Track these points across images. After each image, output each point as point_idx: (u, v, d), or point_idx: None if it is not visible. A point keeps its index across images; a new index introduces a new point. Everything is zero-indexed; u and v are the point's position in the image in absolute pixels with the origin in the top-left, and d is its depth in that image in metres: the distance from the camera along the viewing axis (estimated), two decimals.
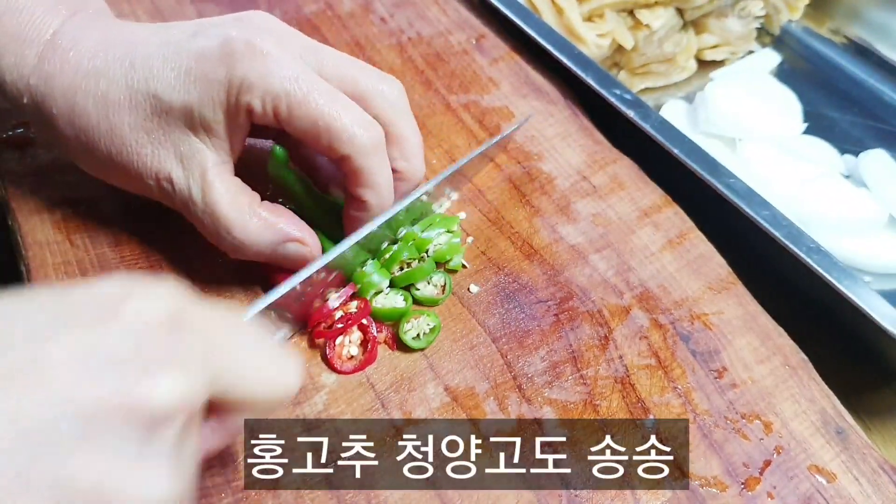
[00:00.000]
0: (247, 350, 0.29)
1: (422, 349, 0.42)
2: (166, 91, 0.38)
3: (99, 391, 0.22)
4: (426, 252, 0.45)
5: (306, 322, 0.42)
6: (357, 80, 0.40)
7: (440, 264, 0.46)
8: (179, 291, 0.26)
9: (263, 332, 0.31)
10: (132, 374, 0.23)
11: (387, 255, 0.44)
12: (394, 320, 0.43)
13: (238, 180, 0.40)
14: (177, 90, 0.38)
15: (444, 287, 0.45)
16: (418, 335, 0.42)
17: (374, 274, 0.43)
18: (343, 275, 0.43)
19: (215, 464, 0.37)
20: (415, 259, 0.45)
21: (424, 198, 0.45)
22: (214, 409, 0.29)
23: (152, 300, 0.25)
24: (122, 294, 0.25)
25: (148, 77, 0.38)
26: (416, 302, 0.44)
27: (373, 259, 0.44)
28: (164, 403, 0.23)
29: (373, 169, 0.39)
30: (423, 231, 0.45)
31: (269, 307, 0.38)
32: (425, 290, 0.45)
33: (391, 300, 0.43)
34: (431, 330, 0.42)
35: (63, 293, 0.25)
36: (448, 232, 0.46)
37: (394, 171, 0.41)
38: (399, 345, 0.42)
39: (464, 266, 0.46)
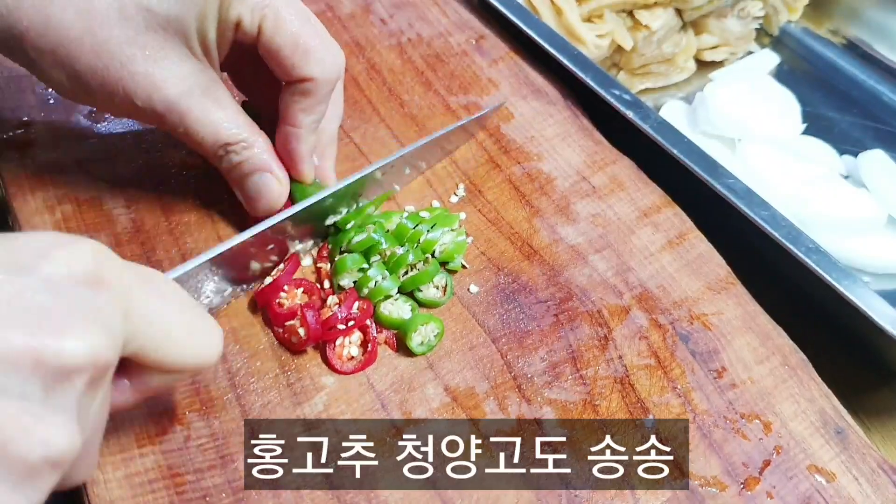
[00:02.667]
0: (166, 313, 0.29)
1: (424, 353, 0.42)
2: (161, 4, 0.36)
3: (9, 341, 0.22)
4: (432, 253, 0.45)
5: (249, 282, 0.43)
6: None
7: (441, 264, 0.46)
8: (103, 249, 0.26)
9: (186, 296, 0.31)
10: (44, 327, 0.23)
11: (345, 231, 0.45)
12: (398, 329, 0.43)
13: (234, 101, 0.41)
14: (172, 3, 0.36)
15: (445, 288, 0.45)
16: (423, 342, 0.42)
17: (383, 280, 0.43)
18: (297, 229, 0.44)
19: (215, 464, 0.37)
20: (420, 261, 0.45)
21: (379, 174, 0.47)
22: (130, 367, 0.28)
23: (74, 255, 0.25)
24: (44, 247, 0.25)
25: None
26: (419, 304, 0.44)
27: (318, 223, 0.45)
28: (72, 359, 0.23)
29: (323, 98, 0.41)
30: (429, 231, 0.45)
31: (207, 267, 0.38)
32: (428, 291, 0.45)
33: (398, 308, 0.43)
34: (436, 336, 0.43)
35: None
36: (451, 230, 0.46)
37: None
38: (399, 345, 0.42)
39: (463, 266, 0.46)
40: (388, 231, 0.45)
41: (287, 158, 0.42)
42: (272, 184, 0.42)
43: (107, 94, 0.38)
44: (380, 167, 0.46)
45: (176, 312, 0.29)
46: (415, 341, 0.42)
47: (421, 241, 0.45)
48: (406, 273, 0.45)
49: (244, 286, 0.43)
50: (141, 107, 0.38)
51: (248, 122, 0.41)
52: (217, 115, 0.39)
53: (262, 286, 0.43)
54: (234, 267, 0.41)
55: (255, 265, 0.43)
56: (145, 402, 0.31)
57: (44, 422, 0.23)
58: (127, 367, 0.29)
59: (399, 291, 0.44)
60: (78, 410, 0.25)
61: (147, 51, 0.37)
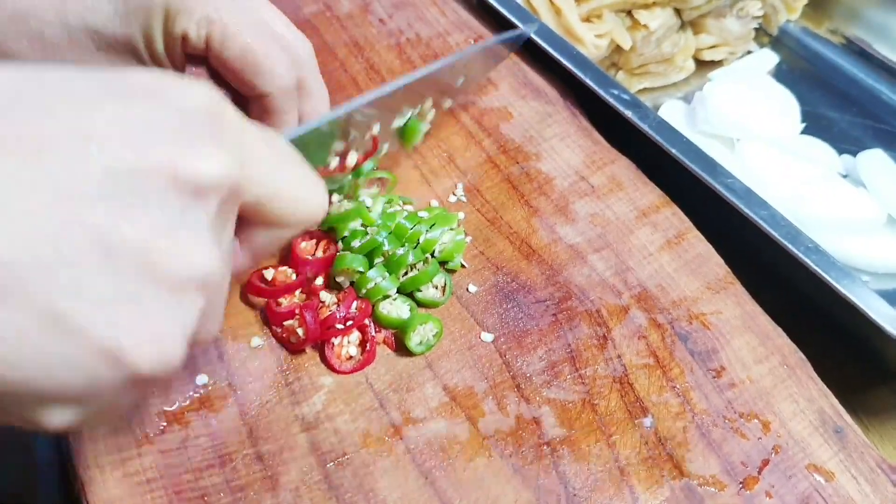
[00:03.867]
0: (280, 164, 0.29)
1: (423, 353, 0.42)
2: (107, 25, 0.36)
3: (145, 156, 0.22)
4: (431, 253, 0.45)
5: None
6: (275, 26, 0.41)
7: (440, 264, 0.46)
8: (220, 94, 0.26)
9: (297, 154, 0.31)
10: (178, 144, 0.23)
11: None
12: (397, 328, 0.43)
13: None
14: (116, 22, 0.36)
15: (444, 288, 0.45)
16: (421, 341, 0.42)
17: (382, 280, 0.43)
18: None
19: (214, 463, 0.37)
20: (420, 261, 0.45)
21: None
22: (238, 226, 0.28)
23: (195, 89, 0.25)
24: (166, 79, 0.25)
25: (83, 11, 0.36)
26: (418, 304, 0.44)
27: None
28: (207, 175, 0.23)
29: (286, 109, 0.41)
30: (428, 231, 0.45)
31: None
32: (427, 291, 0.45)
33: (397, 308, 0.43)
34: (435, 335, 0.43)
35: (105, 71, 0.24)
36: (450, 230, 0.46)
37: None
38: (398, 345, 0.42)
39: (462, 266, 0.46)
40: (390, 232, 0.45)
41: None
42: None
43: None
44: (429, 73, 0.46)
45: (288, 165, 0.29)
46: (413, 341, 0.42)
47: (420, 240, 0.45)
48: (405, 273, 0.45)
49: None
50: None
51: None
52: None
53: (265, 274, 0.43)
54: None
55: (335, 159, 0.44)
56: (255, 264, 0.31)
57: (184, 238, 0.23)
58: (240, 225, 0.29)
59: (398, 291, 0.44)
60: (214, 234, 0.25)
61: None
